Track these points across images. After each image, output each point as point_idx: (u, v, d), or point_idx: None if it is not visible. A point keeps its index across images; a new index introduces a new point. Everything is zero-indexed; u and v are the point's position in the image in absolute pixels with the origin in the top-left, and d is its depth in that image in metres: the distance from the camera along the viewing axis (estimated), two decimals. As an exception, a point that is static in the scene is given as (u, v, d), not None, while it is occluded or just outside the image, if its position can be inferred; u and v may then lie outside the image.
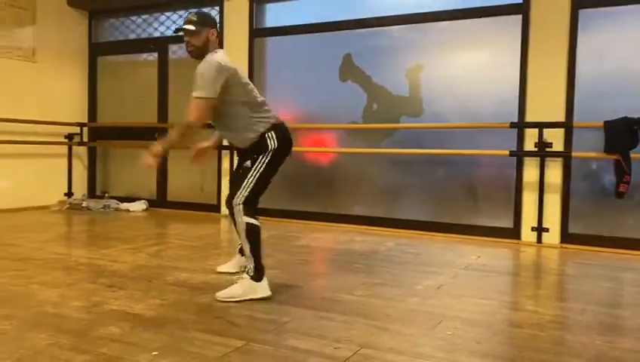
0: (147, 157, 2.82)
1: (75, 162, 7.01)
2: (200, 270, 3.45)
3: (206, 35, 2.87)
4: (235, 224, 2.89)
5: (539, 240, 4.74)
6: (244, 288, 2.79)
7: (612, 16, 4.55)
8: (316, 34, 5.76)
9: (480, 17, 4.99)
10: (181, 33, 2.93)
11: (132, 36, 6.96)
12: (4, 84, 6.15)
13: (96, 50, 7.18)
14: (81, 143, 7.00)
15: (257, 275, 2.82)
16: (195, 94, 2.78)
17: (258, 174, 2.85)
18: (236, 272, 3.28)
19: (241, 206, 2.80)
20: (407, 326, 2.46)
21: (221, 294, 2.80)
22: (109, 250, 4.04)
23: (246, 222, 2.79)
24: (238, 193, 2.82)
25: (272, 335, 2.30)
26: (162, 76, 6.74)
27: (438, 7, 5.16)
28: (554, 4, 4.65)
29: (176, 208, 6.62)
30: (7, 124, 6.07)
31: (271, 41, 6.05)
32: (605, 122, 4.37)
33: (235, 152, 3.15)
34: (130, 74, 7.05)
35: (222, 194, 6.22)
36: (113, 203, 6.66)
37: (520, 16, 4.83)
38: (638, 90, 4.44)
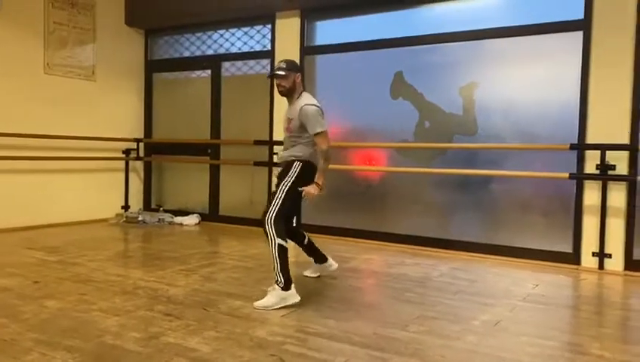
0: (314, 191, 3.44)
1: (131, 176, 7.24)
2: (253, 297, 3.46)
3: (293, 79, 3.54)
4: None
5: (600, 266, 4.54)
6: (277, 298, 3.27)
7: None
8: (367, 51, 5.73)
9: (538, 34, 4.83)
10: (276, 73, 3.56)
11: (186, 54, 7.12)
12: (68, 103, 6.42)
13: (152, 67, 7.39)
14: (137, 158, 7.22)
15: (287, 286, 3.30)
16: (318, 130, 3.45)
17: (283, 195, 3.45)
18: (318, 276, 4.08)
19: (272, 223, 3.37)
20: (465, 372, 2.39)
21: (258, 304, 3.25)
22: (165, 272, 4.13)
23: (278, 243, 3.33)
24: (267, 213, 3.40)
25: (326, 378, 2.28)
26: (215, 93, 6.86)
27: (493, 24, 5.03)
28: (618, 21, 4.45)
29: (228, 222, 6.72)
30: (69, 141, 6.33)
31: (322, 59, 6.06)
32: (675, 145, 4.15)
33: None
34: (184, 90, 7.22)
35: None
36: (167, 216, 6.83)
37: (581, 33, 4.64)
38: None
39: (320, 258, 4.06)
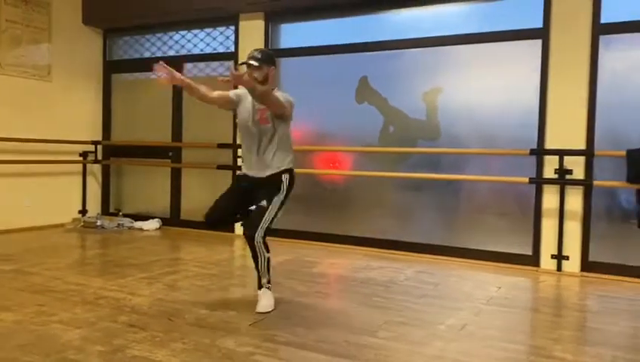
0: (242, 79, 2.99)
1: (89, 180, 7.02)
2: (219, 305, 3.42)
3: (267, 72, 3.27)
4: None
5: (559, 268, 4.68)
6: (271, 297, 3.36)
7: (633, 43, 4.50)
8: (332, 55, 5.73)
9: (499, 42, 4.94)
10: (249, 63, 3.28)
11: (147, 54, 6.96)
12: (22, 104, 6.17)
13: (111, 67, 7.19)
14: (95, 161, 7.01)
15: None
16: (283, 99, 3.25)
17: (276, 210, 3.31)
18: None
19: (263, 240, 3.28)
20: (435, 378, 2.41)
21: (262, 309, 3.28)
22: (127, 280, 4.02)
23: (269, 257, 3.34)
24: (258, 229, 3.24)
25: (298, 389, 2.26)
26: (176, 95, 6.73)
27: (456, 30, 5.12)
28: (574, 30, 4.60)
29: (190, 227, 6.60)
30: (23, 143, 6.09)
31: (286, 62, 6.03)
32: (627, 151, 4.31)
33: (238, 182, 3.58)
34: (145, 92, 7.05)
35: (236, 213, 6.20)
36: (127, 221, 6.65)
37: (540, 41, 4.78)
38: (661, 118, 4.39)
39: None
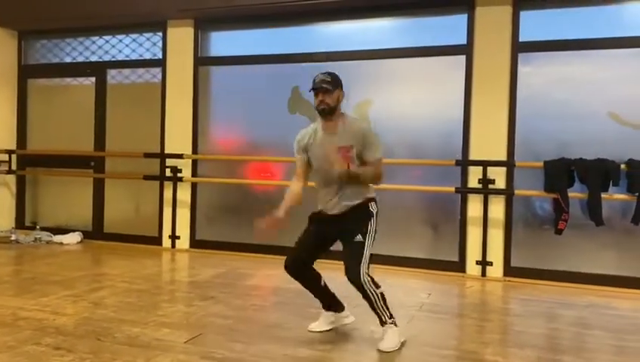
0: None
1: (2, 191, 6.56)
2: (151, 323, 3.29)
3: (337, 96, 3.11)
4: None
5: (483, 273, 4.89)
6: (397, 336, 3.03)
7: (549, 61, 4.82)
8: (264, 65, 5.71)
9: (426, 57, 5.13)
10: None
11: (67, 59, 6.62)
12: None
13: (27, 72, 6.78)
14: (9, 171, 6.55)
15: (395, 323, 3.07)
16: (380, 155, 3.12)
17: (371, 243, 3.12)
18: (329, 329, 3.32)
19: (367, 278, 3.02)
20: (376, 388, 2.44)
21: (385, 348, 2.96)
22: (49, 298, 3.78)
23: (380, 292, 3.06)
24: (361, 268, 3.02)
25: (240, 407, 2.22)
26: (99, 102, 6.44)
27: (385, 45, 5.26)
28: (495, 48, 4.85)
29: (114, 240, 6.30)
30: None
31: (217, 71, 5.95)
32: (545, 162, 4.60)
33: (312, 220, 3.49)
34: (65, 98, 6.69)
35: (163, 225, 6.01)
36: (45, 235, 6.26)
37: (464, 57, 5.00)
38: (573, 131, 4.71)
39: (337, 305, 3.43)
